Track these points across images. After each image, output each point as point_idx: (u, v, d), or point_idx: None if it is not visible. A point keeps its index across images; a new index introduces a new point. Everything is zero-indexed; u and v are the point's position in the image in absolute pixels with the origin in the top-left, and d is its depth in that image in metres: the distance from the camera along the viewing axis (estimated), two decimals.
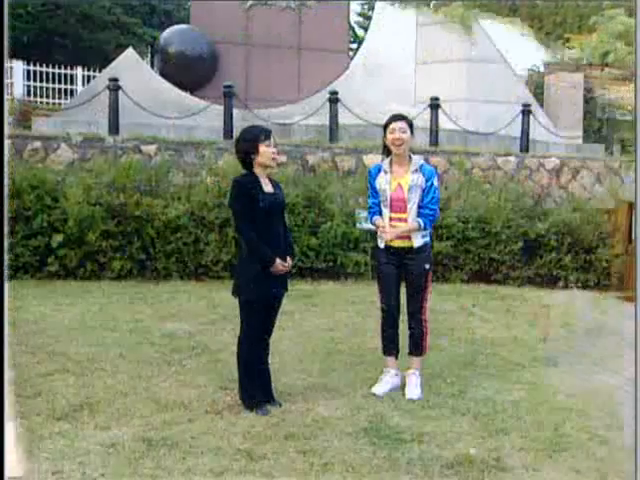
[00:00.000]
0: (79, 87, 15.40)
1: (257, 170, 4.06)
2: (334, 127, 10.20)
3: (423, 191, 4.41)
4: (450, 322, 6.51)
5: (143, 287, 7.57)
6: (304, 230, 8.27)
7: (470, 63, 12.66)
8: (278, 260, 4.01)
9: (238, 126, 10.92)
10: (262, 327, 4.17)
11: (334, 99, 10.23)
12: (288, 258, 4.13)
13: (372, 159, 8.77)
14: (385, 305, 4.59)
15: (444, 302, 7.35)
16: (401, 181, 4.42)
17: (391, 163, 4.50)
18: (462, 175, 9.43)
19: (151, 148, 9.00)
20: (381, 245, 4.50)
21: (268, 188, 4.08)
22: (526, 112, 10.97)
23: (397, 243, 4.44)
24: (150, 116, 9.97)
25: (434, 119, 10.33)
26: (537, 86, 20.80)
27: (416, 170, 4.43)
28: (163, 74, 12.35)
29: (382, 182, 4.46)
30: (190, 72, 12.44)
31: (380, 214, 4.49)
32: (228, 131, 9.69)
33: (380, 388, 4.51)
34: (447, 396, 4.49)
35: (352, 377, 4.80)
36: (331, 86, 12.21)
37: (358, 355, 5.31)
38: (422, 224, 4.37)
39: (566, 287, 8.66)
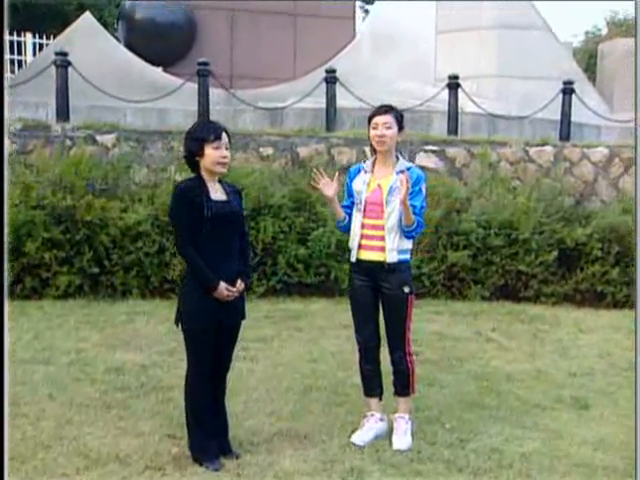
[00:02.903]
0: (29, 58, 15.42)
1: (205, 174, 4.07)
2: (332, 112, 10.20)
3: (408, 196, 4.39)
4: (460, 351, 6.49)
5: (94, 307, 7.61)
6: (291, 238, 8.30)
7: (502, 30, 12.59)
8: (222, 284, 3.98)
9: (219, 110, 11.03)
10: (214, 362, 4.15)
11: (331, 78, 10.21)
12: (239, 281, 4.09)
13: None
14: (360, 337, 4.58)
15: (456, 325, 7.35)
16: (381, 182, 4.45)
17: (374, 163, 4.52)
18: (485, 170, 9.37)
19: (108, 138, 9.02)
20: (352, 258, 4.53)
21: (217, 195, 4.07)
22: (568, 91, 10.87)
23: (368, 256, 4.45)
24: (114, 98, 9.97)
25: (453, 101, 10.28)
26: (590, 55, 20.54)
27: (402, 172, 4.42)
28: (129, 46, 12.39)
29: (359, 182, 4.51)
30: (162, 44, 12.49)
31: (350, 218, 4.52)
32: (203, 117, 9.68)
33: (361, 436, 4.49)
34: (443, 446, 4.45)
35: (330, 421, 4.78)
36: (333, 61, 12.22)
37: (341, 393, 5.30)
38: (415, 223, 4.35)
39: (613, 306, 8.59)
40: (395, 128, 4.43)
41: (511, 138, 10.33)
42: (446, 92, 10.56)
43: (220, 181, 4.17)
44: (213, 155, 4.02)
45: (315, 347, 6.48)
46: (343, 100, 10.50)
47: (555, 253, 8.58)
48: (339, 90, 10.40)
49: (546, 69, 12.35)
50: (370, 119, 4.48)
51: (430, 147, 9.53)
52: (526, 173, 9.68)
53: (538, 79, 12.24)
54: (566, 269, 8.69)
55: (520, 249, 8.56)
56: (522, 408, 5.16)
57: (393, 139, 4.43)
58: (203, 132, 4.04)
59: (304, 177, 8.86)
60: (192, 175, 4.15)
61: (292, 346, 6.51)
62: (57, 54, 9.47)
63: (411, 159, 9.39)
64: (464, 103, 10.83)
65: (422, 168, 8.99)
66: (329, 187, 4.46)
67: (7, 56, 15.40)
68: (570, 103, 10.87)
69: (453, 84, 10.41)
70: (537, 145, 10.04)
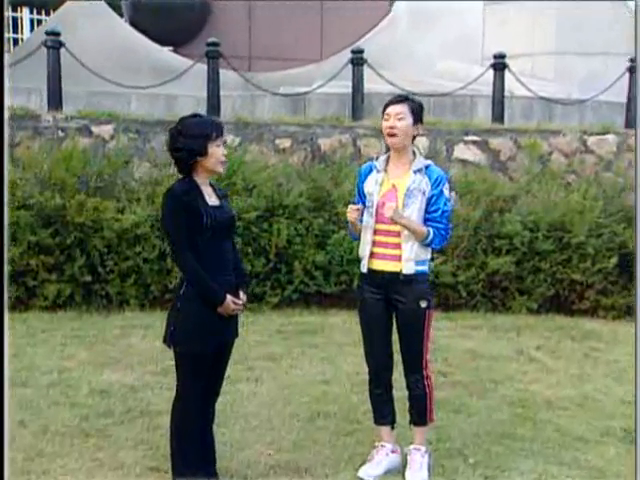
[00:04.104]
0: (27, 36, 15.59)
1: (199, 176, 4.09)
2: (358, 99, 10.17)
3: (429, 200, 4.36)
4: (496, 372, 6.43)
5: (86, 320, 7.72)
6: (309, 242, 8.33)
7: (561, 1, 12.43)
8: (229, 297, 4.03)
9: (234, 97, 11.08)
10: (207, 387, 4.18)
11: (358, 60, 10.19)
12: (241, 292, 4.15)
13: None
14: (371, 358, 4.57)
15: (495, 342, 7.29)
16: (397, 182, 4.41)
17: (387, 160, 4.50)
18: (534, 163, 9.27)
19: (106, 129, 9.09)
20: (363, 269, 4.51)
21: (212, 200, 4.11)
22: (635, 69, 10.69)
23: (381, 266, 4.42)
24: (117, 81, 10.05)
25: (499, 84, 10.18)
26: None
27: (419, 170, 4.40)
28: (134, 24, 12.51)
29: (371, 183, 4.47)
30: (171, 21, 12.61)
31: (361, 223, 4.48)
32: (213, 105, 9.75)
33: (370, 470, 4.49)
34: None
35: (337, 452, 4.77)
36: (365, 39, 12.21)
37: (352, 420, 5.29)
38: (431, 234, 4.34)
39: None
40: (409, 120, 4.38)
41: (566, 126, 10.19)
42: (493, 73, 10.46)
43: (211, 184, 4.20)
44: (217, 153, 4.03)
45: (329, 366, 6.47)
46: (374, 84, 10.44)
47: (615, 259, 8.47)
48: (369, 73, 10.36)
49: (613, 44, 12.14)
50: (384, 110, 4.45)
51: (471, 137, 9.45)
52: (583, 166, 9.53)
53: (603, 55, 12.11)
54: (628, 278, 8.53)
55: (573, 254, 8.47)
56: (561, 441, 5.08)
57: (406, 132, 4.38)
58: (207, 129, 4.04)
59: (325, 173, 8.86)
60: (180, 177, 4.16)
61: (303, 365, 6.51)
62: (48, 34, 9.41)
63: (448, 150, 9.34)
64: (514, 85, 10.72)
65: (461, 162, 9.19)
66: (355, 211, 4.43)
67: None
68: (637, 83, 10.68)
69: (499, 64, 10.28)
70: (597, 134, 9.88)
